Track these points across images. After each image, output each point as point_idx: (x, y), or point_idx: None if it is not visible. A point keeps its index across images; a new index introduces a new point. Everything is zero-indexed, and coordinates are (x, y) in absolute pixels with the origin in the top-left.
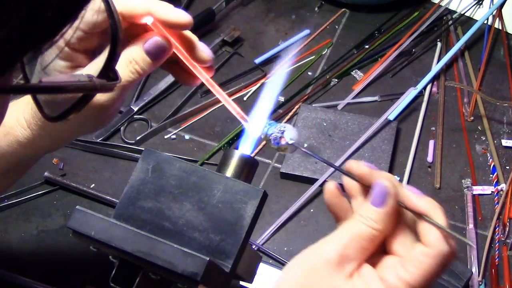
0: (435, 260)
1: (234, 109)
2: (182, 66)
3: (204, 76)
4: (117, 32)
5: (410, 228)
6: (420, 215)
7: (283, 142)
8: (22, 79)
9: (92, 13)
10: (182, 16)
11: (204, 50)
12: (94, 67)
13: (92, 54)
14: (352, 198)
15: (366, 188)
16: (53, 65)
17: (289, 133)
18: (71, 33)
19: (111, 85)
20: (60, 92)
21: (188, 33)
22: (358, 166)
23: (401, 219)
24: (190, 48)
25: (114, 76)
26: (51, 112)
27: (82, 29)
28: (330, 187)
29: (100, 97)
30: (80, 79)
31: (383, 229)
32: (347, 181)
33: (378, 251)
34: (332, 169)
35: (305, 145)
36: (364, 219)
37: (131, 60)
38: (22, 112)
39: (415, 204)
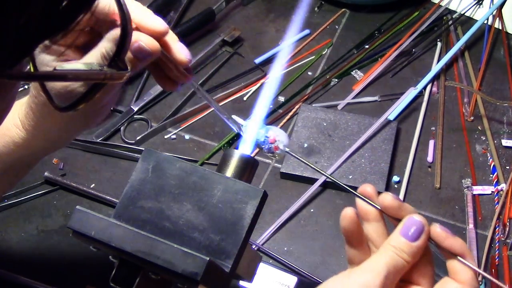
0: None
1: (220, 109)
2: (163, 70)
3: (189, 78)
4: (127, 24)
5: (427, 258)
6: (453, 254)
7: (276, 150)
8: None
9: None
10: (157, 24)
11: (181, 52)
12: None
13: (80, 50)
14: (366, 222)
15: (383, 213)
16: (41, 59)
17: (282, 140)
18: None
19: (121, 74)
20: (73, 80)
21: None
22: (386, 198)
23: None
24: (166, 49)
25: (123, 66)
26: (60, 103)
27: None
28: (350, 214)
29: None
30: (92, 67)
31: (412, 262)
32: (363, 206)
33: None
34: (332, 168)
35: (305, 145)
36: (397, 250)
37: None
38: (17, 113)
39: (452, 245)
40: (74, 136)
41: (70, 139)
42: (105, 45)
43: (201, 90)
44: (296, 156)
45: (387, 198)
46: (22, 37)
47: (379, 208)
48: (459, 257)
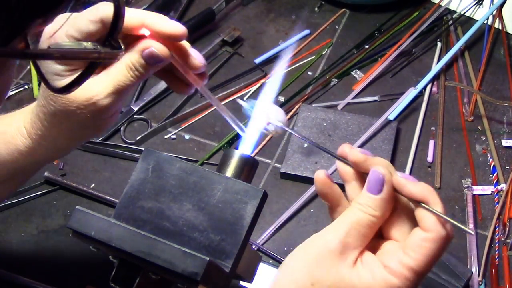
0: (435, 244)
1: (229, 115)
2: (176, 74)
3: (199, 84)
4: (120, 4)
5: (404, 212)
6: (417, 202)
7: (271, 128)
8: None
9: (87, 23)
10: (176, 28)
11: (196, 57)
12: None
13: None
14: (346, 183)
15: (361, 173)
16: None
17: (276, 116)
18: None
19: (115, 54)
20: (67, 58)
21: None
22: (352, 152)
23: (396, 204)
24: (183, 55)
25: (117, 45)
26: (54, 87)
27: (76, 37)
28: (320, 176)
29: (99, 101)
30: (86, 46)
31: (381, 215)
32: (341, 166)
33: (374, 236)
34: (333, 168)
35: (305, 145)
36: (362, 206)
37: (131, 66)
38: (23, 122)
39: (411, 191)
40: (80, 144)
41: (75, 147)
42: (131, 57)
43: (208, 93)
44: (290, 130)
45: (353, 153)
46: (14, 16)
47: (351, 164)
48: (422, 204)
